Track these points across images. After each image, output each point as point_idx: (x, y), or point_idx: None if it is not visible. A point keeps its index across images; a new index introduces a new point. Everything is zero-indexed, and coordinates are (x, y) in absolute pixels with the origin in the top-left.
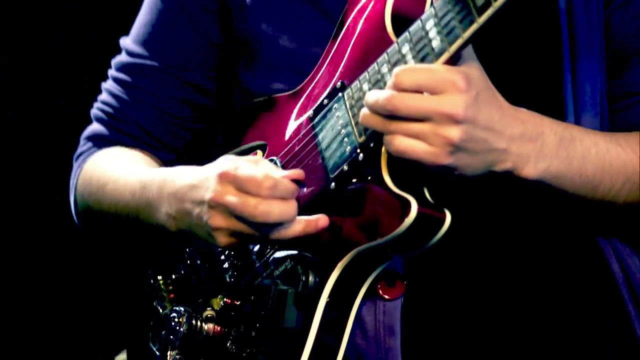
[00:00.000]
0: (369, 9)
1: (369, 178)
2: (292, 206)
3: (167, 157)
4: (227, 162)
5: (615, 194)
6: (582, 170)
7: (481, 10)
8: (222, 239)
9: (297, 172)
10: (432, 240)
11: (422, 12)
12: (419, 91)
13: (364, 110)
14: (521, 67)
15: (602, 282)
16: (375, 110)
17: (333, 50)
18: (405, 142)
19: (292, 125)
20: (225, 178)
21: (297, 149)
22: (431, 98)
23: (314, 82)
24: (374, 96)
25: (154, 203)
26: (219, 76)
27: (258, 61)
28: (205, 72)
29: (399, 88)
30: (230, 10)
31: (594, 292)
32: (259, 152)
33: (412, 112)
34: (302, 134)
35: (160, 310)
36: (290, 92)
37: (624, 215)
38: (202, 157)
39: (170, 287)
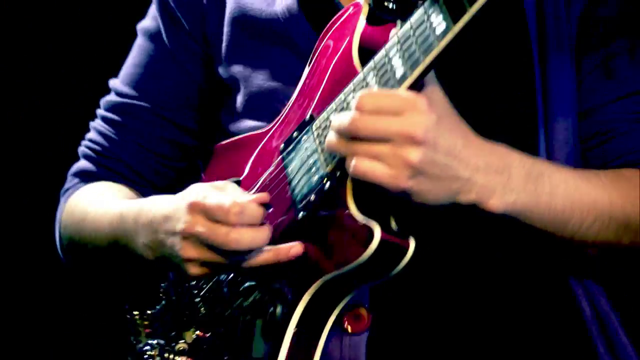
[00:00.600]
0: (337, 44)
1: (336, 206)
2: (262, 233)
3: (150, 194)
4: (196, 191)
5: (585, 231)
6: (551, 206)
7: (441, 36)
8: (193, 269)
9: (262, 196)
10: (396, 268)
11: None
12: (381, 113)
13: (329, 136)
14: (490, 92)
15: (570, 319)
16: (338, 133)
17: (304, 86)
18: (365, 164)
19: (264, 160)
20: (194, 208)
21: (267, 182)
22: (392, 119)
23: (286, 118)
24: (337, 119)
25: (131, 233)
26: (202, 118)
27: (236, 102)
28: (191, 114)
29: (361, 110)
30: (212, 55)
31: (563, 328)
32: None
33: (372, 133)
34: (272, 167)
35: (136, 345)
36: (264, 129)
37: (594, 252)
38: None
39: (146, 322)
